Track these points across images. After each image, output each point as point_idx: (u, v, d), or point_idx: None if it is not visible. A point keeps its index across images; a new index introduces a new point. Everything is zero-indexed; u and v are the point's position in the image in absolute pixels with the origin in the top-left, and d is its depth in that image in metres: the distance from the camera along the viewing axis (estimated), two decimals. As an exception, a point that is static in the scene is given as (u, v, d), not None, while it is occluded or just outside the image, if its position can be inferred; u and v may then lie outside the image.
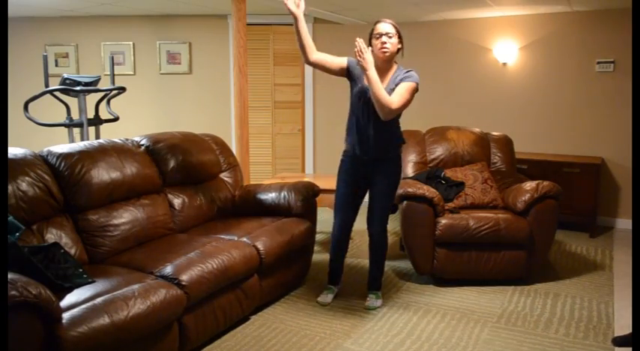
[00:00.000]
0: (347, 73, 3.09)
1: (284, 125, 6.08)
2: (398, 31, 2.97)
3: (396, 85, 2.94)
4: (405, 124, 4.85)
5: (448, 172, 3.94)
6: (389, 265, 3.93)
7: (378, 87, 2.80)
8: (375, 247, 3.24)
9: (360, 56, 2.80)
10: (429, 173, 3.92)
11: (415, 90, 2.93)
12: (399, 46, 3.00)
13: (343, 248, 3.33)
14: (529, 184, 3.60)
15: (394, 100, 2.85)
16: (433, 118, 5.38)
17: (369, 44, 3.00)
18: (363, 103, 3.00)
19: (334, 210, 3.22)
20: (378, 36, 2.96)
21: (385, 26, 2.95)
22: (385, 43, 2.92)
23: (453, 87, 5.57)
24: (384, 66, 2.99)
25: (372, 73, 2.80)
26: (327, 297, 3.29)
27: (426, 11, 5.04)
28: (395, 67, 3.03)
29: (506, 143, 4.26)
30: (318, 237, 4.66)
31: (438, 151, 4.15)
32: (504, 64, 5.27)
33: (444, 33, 5.56)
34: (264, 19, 5.78)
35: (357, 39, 2.81)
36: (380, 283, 3.31)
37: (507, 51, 5.22)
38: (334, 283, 3.37)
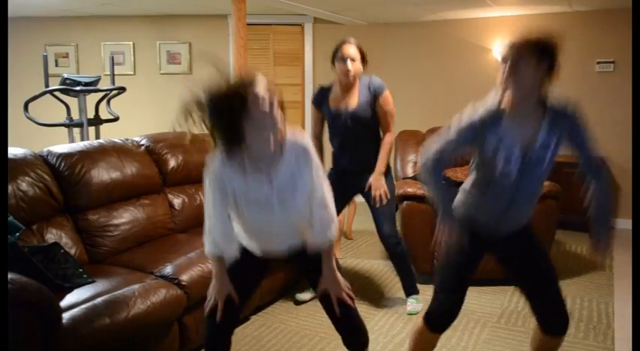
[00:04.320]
0: (321, 112, 3.16)
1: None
2: (362, 53, 2.98)
3: (371, 95, 2.99)
4: (405, 124, 4.85)
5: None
6: (389, 264, 3.93)
7: (384, 164, 3.05)
8: (397, 258, 3.19)
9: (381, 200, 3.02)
10: (429, 173, 3.91)
11: (388, 93, 3.04)
12: (362, 67, 3.02)
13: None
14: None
15: (389, 130, 3.06)
16: (433, 118, 5.35)
17: (332, 62, 2.98)
18: (342, 126, 3.06)
19: None
20: (341, 60, 2.94)
21: (350, 50, 2.95)
22: (349, 69, 2.93)
23: (453, 87, 5.57)
24: (350, 83, 3.01)
25: (381, 172, 3.05)
26: (306, 295, 3.29)
27: (426, 11, 5.04)
28: (358, 79, 3.04)
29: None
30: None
31: (438, 151, 4.15)
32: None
33: (444, 33, 5.55)
34: (264, 19, 5.78)
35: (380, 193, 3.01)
36: (416, 288, 3.24)
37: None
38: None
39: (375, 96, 2.98)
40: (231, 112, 1.71)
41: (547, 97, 1.80)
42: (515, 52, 1.69)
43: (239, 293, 2.00)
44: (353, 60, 2.91)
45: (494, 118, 1.79)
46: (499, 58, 1.81)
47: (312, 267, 2.02)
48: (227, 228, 1.94)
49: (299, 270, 2.13)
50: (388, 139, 3.05)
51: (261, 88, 1.73)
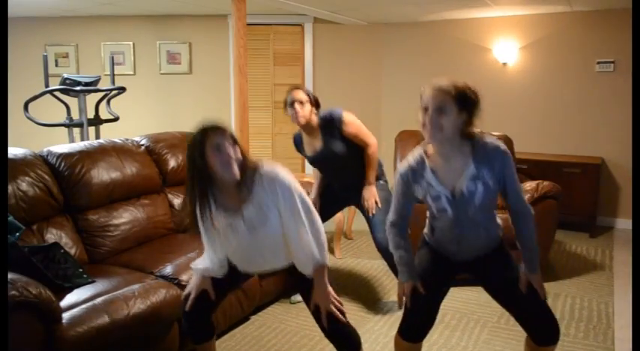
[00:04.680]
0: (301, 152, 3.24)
1: (284, 125, 6.07)
2: (309, 97, 3.00)
3: (334, 127, 3.01)
4: (405, 124, 4.84)
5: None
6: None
7: (372, 175, 3.13)
8: (391, 259, 3.16)
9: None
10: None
11: (350, 116, 3.05)
12: (314, 110, 3.02)
13: None
14: (529, 184, 3.59)
15: (367, 145, 3.07)
16: (433, 118, 5.37)
17: (285, 110, 3.03)
18: (322, 164, 3.17)
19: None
20: (290, 105, 2.98)
21: (298, 94, 2.97)
22: (298, 111, 2.95)
23: (453, 87, 5.56)
24: (308, 126, 3.03)
25: (370, 183, 3.13)
26: (298, 296, 3.30)
27: (426, 11, 5.04)
28: (316, 118, 3.06)
29: (506, 143, 4.25)
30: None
31: (438, 151, 4.15)
32: (504, 64, 5.26)
33: (444, 33, 5.55)
34: (264, 19, 5.78)
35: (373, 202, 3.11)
36: None
37: (507, 51, 5.21)
38: None
39: (337, 127, 3.01)
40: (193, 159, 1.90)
41: (474, 137, 1.87)
42: (437, 102, 1.77)
43: (216, 291, 2.15)
44: (301, 103, 2.95)
45: (418, 167, 1.91)
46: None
47: (301, 280, 2.08)
48: (220, 259, 2.12)
49: (291, 278, 2.21)
50: (370, 152, 3.10)
51: (215, 137, 1.87)
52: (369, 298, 3.38)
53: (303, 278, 2.05)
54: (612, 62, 4.82)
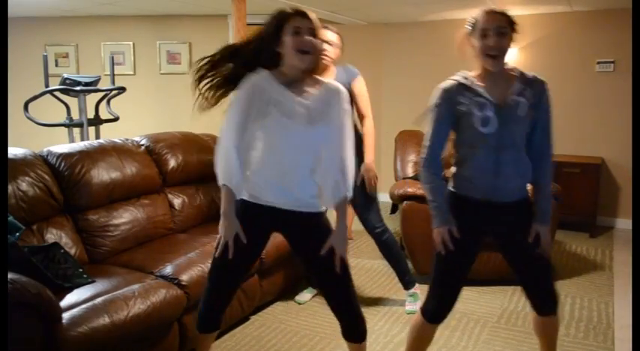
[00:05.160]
0: None
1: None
2: (340, 41, 3.00)
3: (347, 78, 3.04)
4: (405, 124, 4.85)
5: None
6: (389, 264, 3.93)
7: (371, 152, 3.05)
8: (384, 247, 3.17)
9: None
10: (429, 173, 3.91)
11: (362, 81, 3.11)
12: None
13: None
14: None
15: (367, 114, 3.05)
16: (433, 118, 5.37)
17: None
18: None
19: None
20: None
21: (328, 34, 2.93)
22: (327, 52, 2.91)
23: (453, 87, 5.57)
24: (326, 70, 2.98)
25: (371, 160, 3.04)
26: (304, 296, 3.30)
27: (426, 11, 5.04)
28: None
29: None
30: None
31: (438, 151, 4.15)
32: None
33: (444, 33, 5.55)
34: (264, 19, 5.75)
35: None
36: (411, 276, 3.22)
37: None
38: (313, 284, 3.37)
39: (349, 78, 3.03)
40: (274, 29, 1.88)
41: (515, 67, 1.99)
42: (499, 24, 1.86)
43: (243, 256, 2.00)
44: (330, 44, 2.93)
45: (465, 81, 1.95)
46: (473, 30, 1.93)
47: (310, 233, 2.00)
48: (240, 157, 1.95)
49: (294, 238, 2.09)
50: (367, 125, 3.02)
51: (296, 20, 1.86)
52: (369, 297, 3.38)
53: (311, 228, 1.99)
54: (612, 62, 4.82)
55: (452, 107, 1.94)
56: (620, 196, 4.98)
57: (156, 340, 2.39)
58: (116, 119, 4.82)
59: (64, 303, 2.15)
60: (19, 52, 5.91)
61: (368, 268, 3.91)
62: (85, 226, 2.84)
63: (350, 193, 1.97)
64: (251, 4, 4.23)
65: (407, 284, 3.21)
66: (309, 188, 1.97)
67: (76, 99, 4.48)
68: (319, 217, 2.02)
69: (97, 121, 4.68)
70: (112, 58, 4.98)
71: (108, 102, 4.84)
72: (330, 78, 2.96)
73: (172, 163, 3.39)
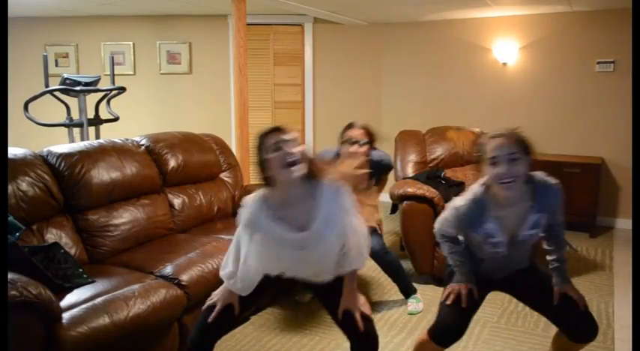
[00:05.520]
0: None
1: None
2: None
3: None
4: (405, 124, 4.85)
5: (448, 172, 3.94)
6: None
7: None
8: (387, 266, 3.23)
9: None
10: (429, 173, 3.92)
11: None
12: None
13: None
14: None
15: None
16: (433, 118, 5.37)
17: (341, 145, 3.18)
18: None
19: None
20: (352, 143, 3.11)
21: (356, 133, 3.11)
22: (358, 150, 3.15)
23: (453, 87, 5.57)
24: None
25: None
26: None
27: (426, 11, 5.04)
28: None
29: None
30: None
31: (438, 151, 4.15)
32: (504, 64, 5.27)
33: (444, 33, 5.55)
34: (264, 19, 5.78)
35: None
36: (412, 288, 3.29)
37: (507, 51, 5.21)
38: None
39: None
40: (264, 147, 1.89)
41: (533, 178, 1.93)
42: (508, 151, 1.82)
43: (242, 306, 2.06)
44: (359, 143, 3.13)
45: (479, 211, 1.93)
46: (483, 154, 1.90)
47: (328, 291, 2.06)
48: (251, 278, 2.01)
49: (315, 295, 2.20)
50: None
51: (274, 137, 1.88)
52: (369, 298, 3.38)
53: (331, 291, 2.04)
54: (612, 62, 4.82)
55: (467, 225, 2.00)
56: (620, 196, 4.97)
57: (156, 340, 2.39)
58: (116, 119, 4.82)
59: (64, 303, 2.15)
60: (19, 52, 5.91)
61: (368, 268, 3.90)
62: (85, 226, 2.84)
63: (366, 261, 2.06)
64: (251, 4, 4.23)
65: (408, 296, 3.27)
66: (327, 272, 2.03)
67: (76, 99, 4.48)
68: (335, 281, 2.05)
69: (97, 121, 4.68)
70: (112, 58, 4.98)
71: (108, 102, 4.84)
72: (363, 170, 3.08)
73: (172, 163, 3.38)
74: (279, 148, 1.85)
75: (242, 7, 4.10)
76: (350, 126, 3.17)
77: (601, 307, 3.21)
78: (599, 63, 4.88)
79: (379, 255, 3.16)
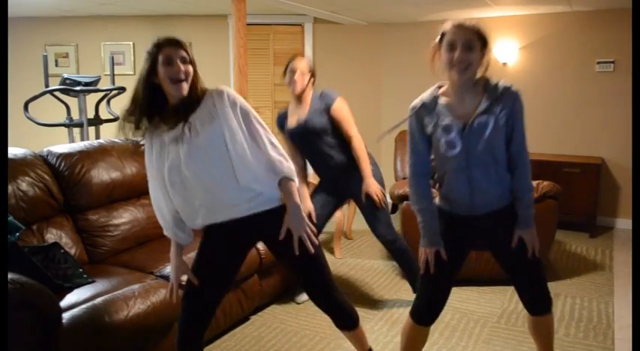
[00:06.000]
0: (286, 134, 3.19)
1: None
2: (310, 68, 3.03)
3: (323, 103, 3.02)
4: (405, 124, 4.84)
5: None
6: (389, 264, 3.94)
7: (367, 167, 3.05)
8: (395, 253, 3.21)
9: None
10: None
11: (342, 102, 3.07)
12: (312, 82, 3.07)
13: None
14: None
15: (352, 135, 3.03)
16: (433, 118, 5.37)
17: (284, 75, 3.06)
18: (304, 140, 3.07)
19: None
20: (291, 71, 3.00)
21: (300, 63, 3.00)
22: (296, 80, 2.98)
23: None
24: (301, 96, 3.05)
25: (368, 175, 3.04)
26: (304, 296, 3.30)
27: (426, 11, 5.04)
28: (310, 92, 3.08)
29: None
30: (320, 236, 4.66)
31: (438, 151, 4.15)
32: (504, 64, 5.26)
33: (444, 33, 5.55)
34: (264, 19, 5.78)
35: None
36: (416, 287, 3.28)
37: (507, 51, 5.21)
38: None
39: (327, 104, 3.02)
40: (145, 76, 1.90)
41: (486, 77, 1.97)
42: (466, 38, 1.85)
43: (213, 280, 2.00)
44: (302, 72, 2.97)
45: (430, 101, 1.97)
46: (442, 42, 1.96)
47: (272, 231, 1.95)
48: (172, 211, 1.99)
49: (266, 242, 2.08)
50: (356, 145, 3.05)
51: (168, 50, 1.88)
52: (369, 298, 3.38)
53: (271, 225, 1.94)
54: (612, 62, 4.82)
55: (421, 127, 1.98)
56: (620, 196, 4.98)
57: (156, 340, 2.39)
58: (116, 119, 4.81)
59: (64, 303, 2.15)
60: (19, 52, 5.91)
61: (368, 268, 3.91)
62: (85, 226, 2.84)
63: (291, 176, 1.97)
64: (251, 4, 4.23)
65: (416, 290, 3.24)
66: (243, 194, 1.91)
67: (76, 99, 4.48)
68: (273, 214, 1.95)
69: (97, 121, 4.68)
70: (112, 58, 4.98)
71: (108, 102, 4.84)
72: (305, 106, 3.02)
73: (172, 163, 3.38)
74: (171, 63, 1.87)
75: (242, 7, 4.10)
76: (293, 58, 3.06)
77: (601, 307, 3.21)
78: (599, 63, 4.88)
79: (386, 241, 3.14)
